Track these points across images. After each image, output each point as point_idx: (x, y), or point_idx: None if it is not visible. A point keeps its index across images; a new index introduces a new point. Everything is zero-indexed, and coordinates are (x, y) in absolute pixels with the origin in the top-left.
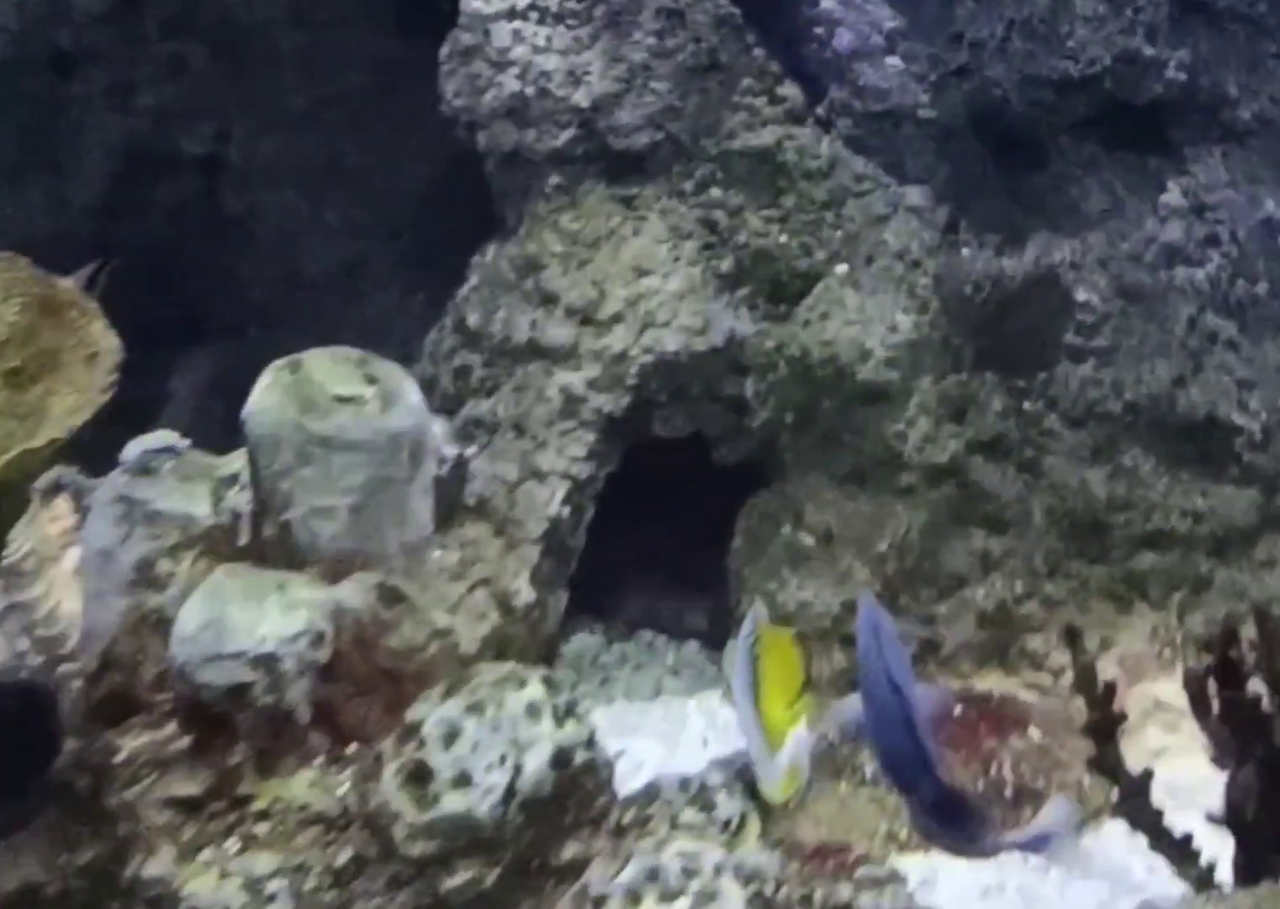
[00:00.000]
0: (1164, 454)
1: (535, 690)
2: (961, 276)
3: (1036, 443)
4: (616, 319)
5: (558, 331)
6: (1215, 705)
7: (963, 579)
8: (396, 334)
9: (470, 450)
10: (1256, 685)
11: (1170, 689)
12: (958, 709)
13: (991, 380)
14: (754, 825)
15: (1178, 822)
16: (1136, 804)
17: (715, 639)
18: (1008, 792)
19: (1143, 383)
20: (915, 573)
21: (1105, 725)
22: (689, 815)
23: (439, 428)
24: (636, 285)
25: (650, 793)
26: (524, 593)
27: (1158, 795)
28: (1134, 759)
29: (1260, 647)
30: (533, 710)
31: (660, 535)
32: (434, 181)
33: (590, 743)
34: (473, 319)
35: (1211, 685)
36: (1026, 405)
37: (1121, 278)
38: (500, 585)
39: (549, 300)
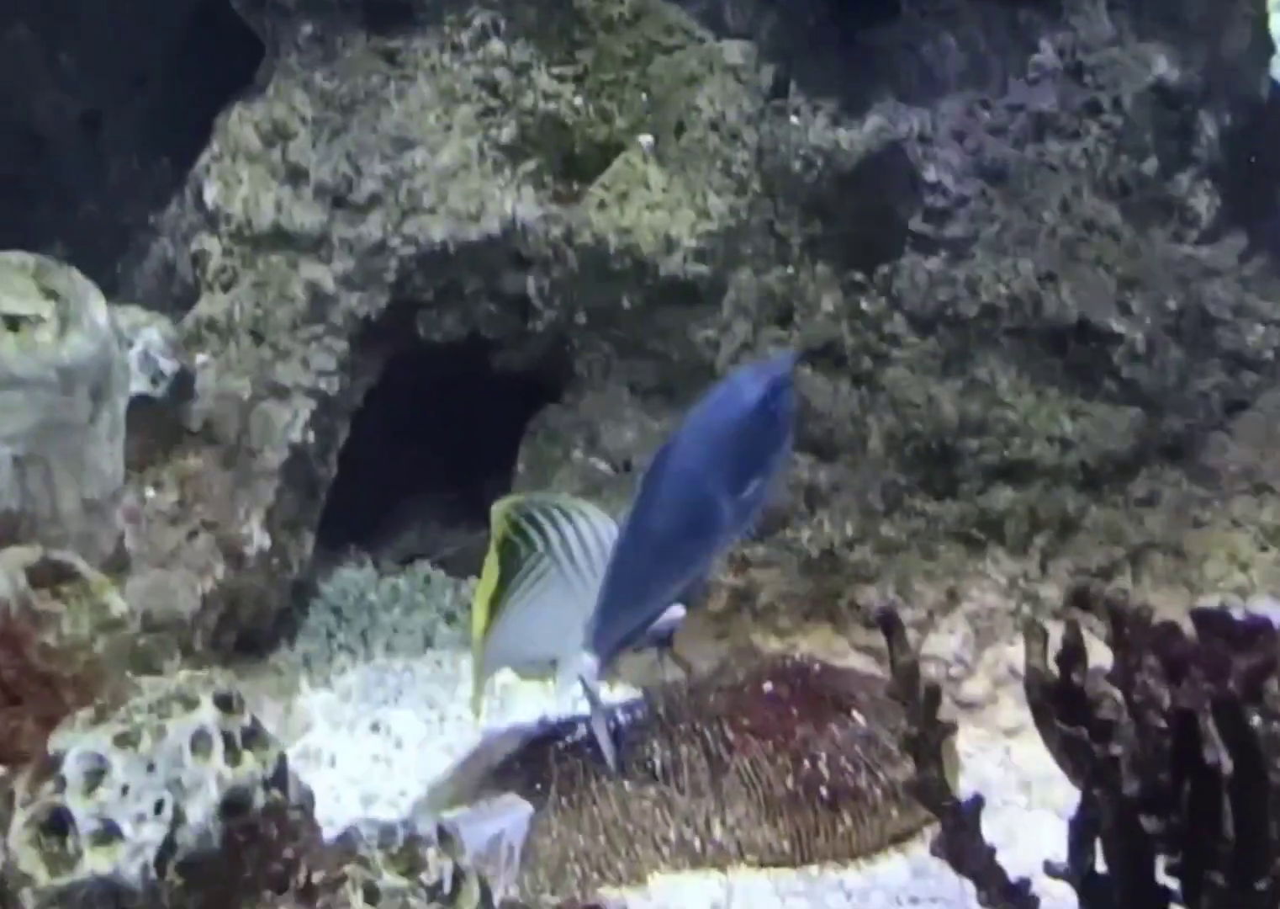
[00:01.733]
0: (1027, 367)
1: (205, 714)
2: (788, 151)
3: (875, 351)
4: (374, 202)
5: (305, 216)
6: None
7: (783, 517)
8: (143, 202)
9: (200, 360)
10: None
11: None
12: (766, 686)
13: (823, 275)
14: (471, 889)
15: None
16: (959, 840)
17: None
18: (823, 792)
19: (1003, 280)
20: None
21: (926, 742)
22: (389, 880)
23: (157, 335)
24: (398, 160)
25: (347, 844)
26: (257, 538)
27: (1006, 793)
28: (982, 741)
29: (1115, 655)
30: (200, 741)
31: (442, 456)
32: (191, 21)
33: (277, 779)
34: (211, 194)
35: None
36: (864, 305)
37: (981, 154)
38: (228, 530)
39: (297, 176)
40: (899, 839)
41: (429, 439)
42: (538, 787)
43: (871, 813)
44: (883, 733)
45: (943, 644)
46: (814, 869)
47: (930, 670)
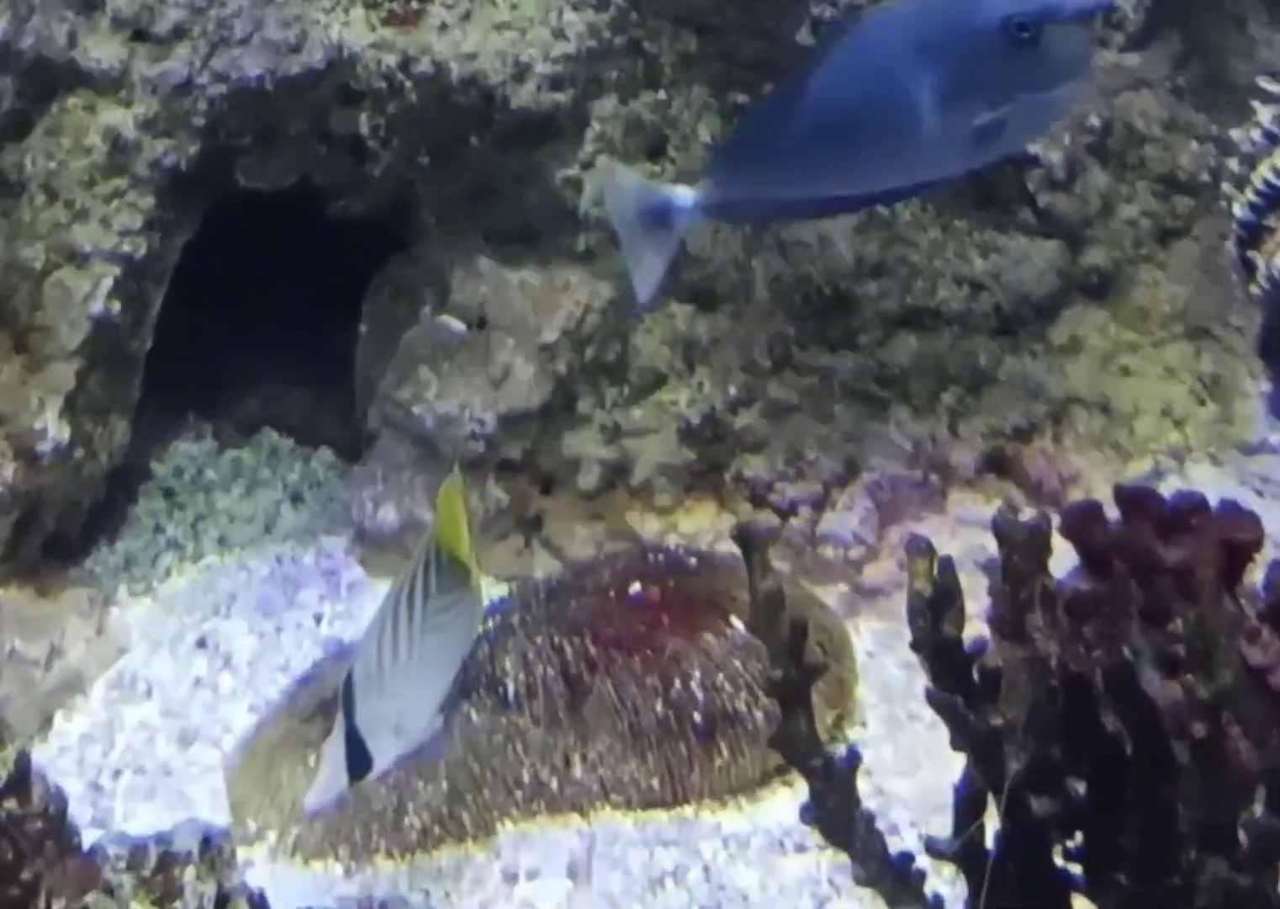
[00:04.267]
0: (931, 197)
1: None
2: None
3: None
4: (179, 34)
5: (102, 50)
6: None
7: (660, 376)
8: None
9: None
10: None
11: (938, 529)
12: (634, 587)
13: (699, 98)
14: None
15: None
16: (829, 805)
17: (352, 449)
18: (696, 718)
19: None
20: (596, 369)
21: (792, 685)
22: None
23: None
24: None
25: (90, 867)
26: (52, 431)
27: (909, 704)
28: (885, 636)
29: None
30: None
31: (283, 314)
32: None
33: (16, 783)
34: (2, 26)
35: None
36: None
37: None
38: (19, 424)
39: (91, 5)
40: (785, 771)
41: (266, 297)
42: None
43: (752, 741)
44: None
45: (841, 522)
46: (689, 810)
47: (827, 552)
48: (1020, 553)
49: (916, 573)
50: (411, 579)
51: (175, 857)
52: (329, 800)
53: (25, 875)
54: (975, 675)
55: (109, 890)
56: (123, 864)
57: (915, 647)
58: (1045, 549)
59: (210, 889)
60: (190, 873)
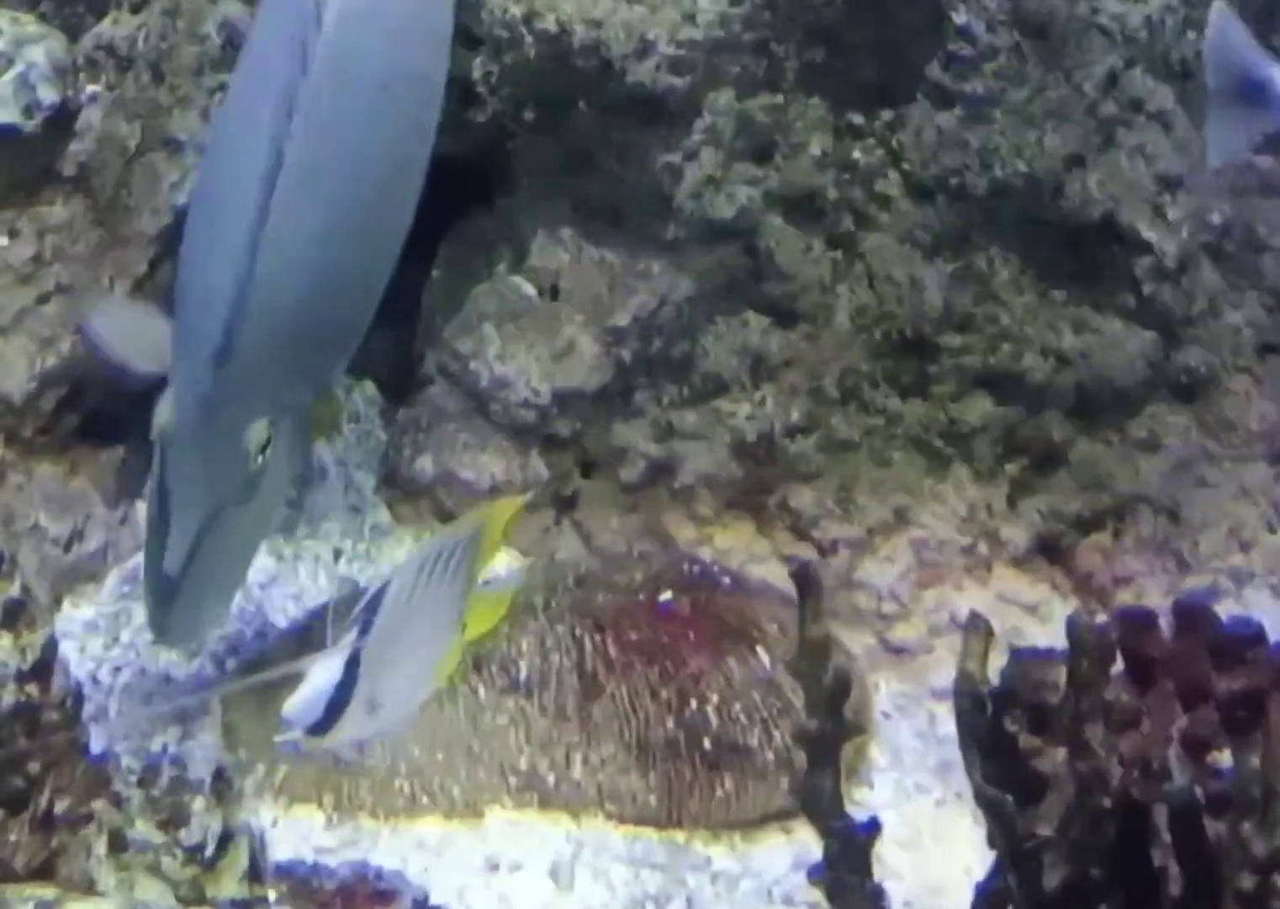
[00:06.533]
0: (1034, 261)
1: None
2: None
3: (861, 211)
4: None
5: None
6: None
7: (723, 384)
8: None
9: (90, 92)
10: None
11: (979, 603)
12: (665, 595)
13: (815, 111)
14: (238, 857)
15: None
16: (841, 873)
17: (399, 388)
18: (706, 743)
19: (1024, 155)
20: (661, 362)
21: (825, 741)
22: (141, 830)
23: (43, 57)
24: None
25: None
26: None
27: (919, 776)
28: (905, 700)
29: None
30: None
31: None
32: None
33: (38, 670)
34: None
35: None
36: (857, 155)
37: (1023, 1)
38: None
39: None
40: (785, 817)
41: None
42: None
43: (758, 779)
44: (787, 680)
45: (879, 573)
46: (680, 835)
47: (860, 600)
48: (1090, 660)
49: (971, 653)
50: (447, 556)
51: (187, 783)
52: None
53: (32, 767)
54: (1026, 777)
55: (116, 802)
56: (134, 778)
57: (963, 733)
58: (1113, 659)
59: (216, 824)
60: (200, 803)
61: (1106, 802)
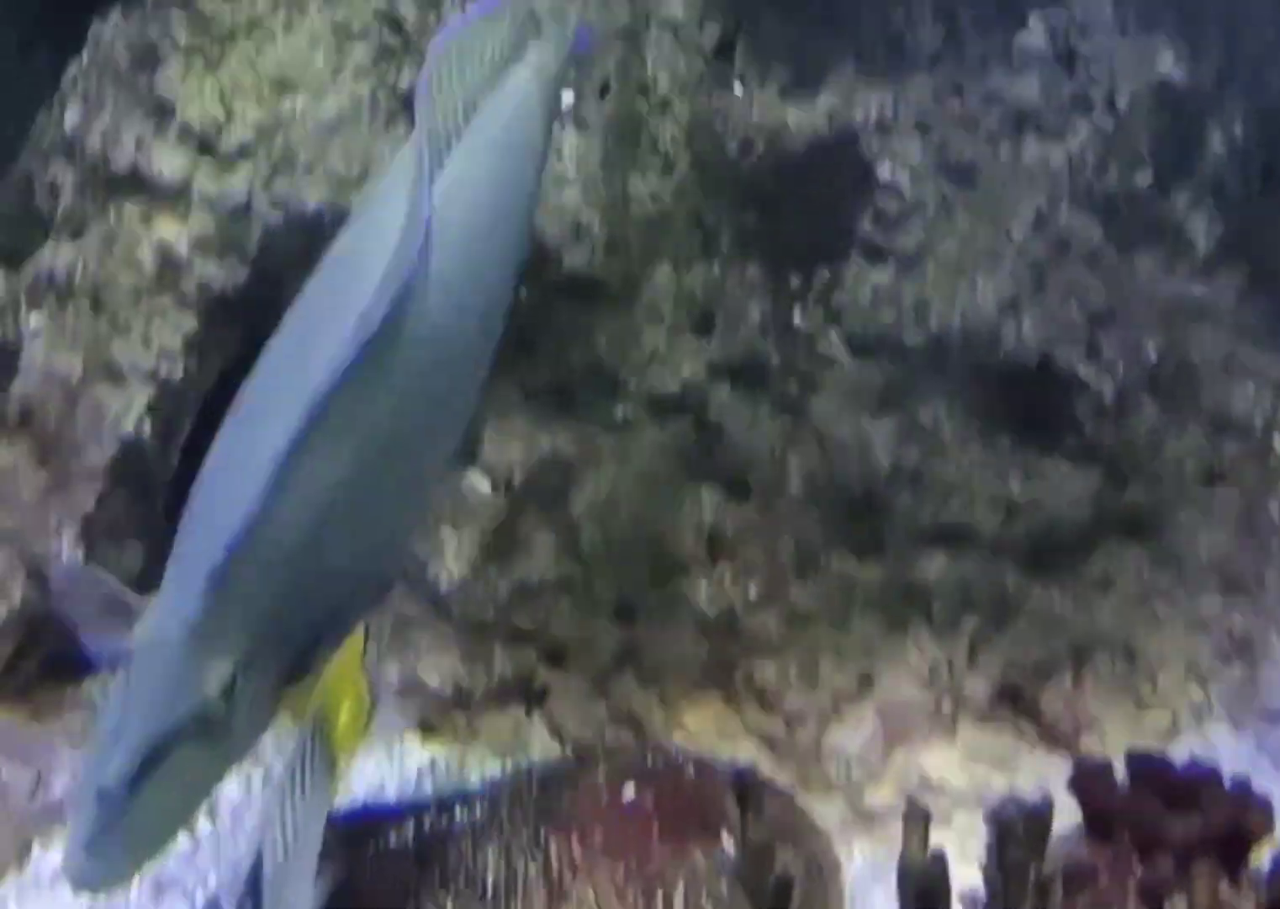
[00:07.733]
0: (977, 411)
1: None
2: (727, 128)
3: (804, 375)
4: (243, 153)
5: (166, 161)
6: None
7: (681, 565)
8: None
9: (33, 324)
10: None
11: (946, 760)
12: (628, 791)
13: (753, 278)
14: None
15: None
16: None
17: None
18: None
19: (958, 306)
20: (618, 549)
21: None
22: None
23: None
24: (275, 104)
25: None
26: (67, 554)
27: None
28: (877, 862)
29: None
30: None
31: None
32: None
33: None
34: (71, 116)
35: None
36: (797, 319)
37: (946, 150)
38: (34, 543)
39: (163, 111)
40: None
41: None
42: None
43: None
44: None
45: (847, 739)
46: None
47: (830, 768)
48: (1016, 844)
49: (910, 842)
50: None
51: None
52: None
53: None
54: None
55: None
56: None
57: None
58: (1044, 837)
59: None
60: None
61: None
